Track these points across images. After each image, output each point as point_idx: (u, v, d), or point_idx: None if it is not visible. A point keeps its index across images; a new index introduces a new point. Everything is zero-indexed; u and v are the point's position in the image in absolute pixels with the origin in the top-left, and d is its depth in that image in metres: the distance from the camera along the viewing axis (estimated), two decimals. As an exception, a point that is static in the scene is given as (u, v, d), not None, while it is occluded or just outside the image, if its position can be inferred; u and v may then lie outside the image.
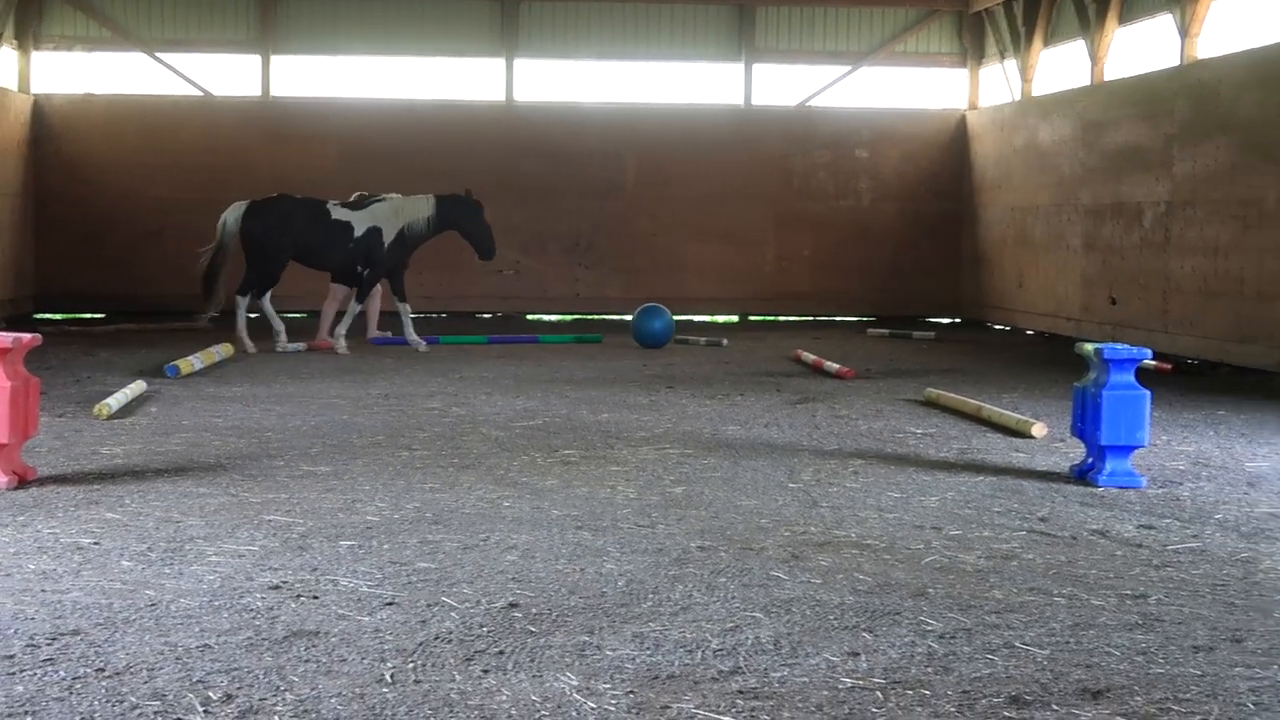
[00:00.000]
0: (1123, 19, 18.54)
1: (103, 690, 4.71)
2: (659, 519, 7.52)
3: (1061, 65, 20.69)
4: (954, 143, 22.97)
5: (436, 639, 5.31)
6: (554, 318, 22.71)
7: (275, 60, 22.40)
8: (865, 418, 11.55)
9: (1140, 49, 18.47)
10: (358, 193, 17.52)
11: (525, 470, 8.93)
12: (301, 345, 16.55)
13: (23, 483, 8.17)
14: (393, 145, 21.72)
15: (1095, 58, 18.80)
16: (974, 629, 5.56)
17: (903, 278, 22.80)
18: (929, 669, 5.07)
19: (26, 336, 8.44)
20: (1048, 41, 20.89)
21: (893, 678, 4.97)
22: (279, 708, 4.58)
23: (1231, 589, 6.29)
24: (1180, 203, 16.13)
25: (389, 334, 17.82)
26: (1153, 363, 12.49)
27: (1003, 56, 22.10)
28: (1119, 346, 8.89)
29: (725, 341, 18.45)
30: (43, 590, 5.91)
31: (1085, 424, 8.83)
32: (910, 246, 22.83)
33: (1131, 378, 8.76)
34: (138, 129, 21.88)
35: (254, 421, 10.88)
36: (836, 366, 14.69)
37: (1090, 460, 8.88)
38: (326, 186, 18.94)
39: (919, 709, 4.67)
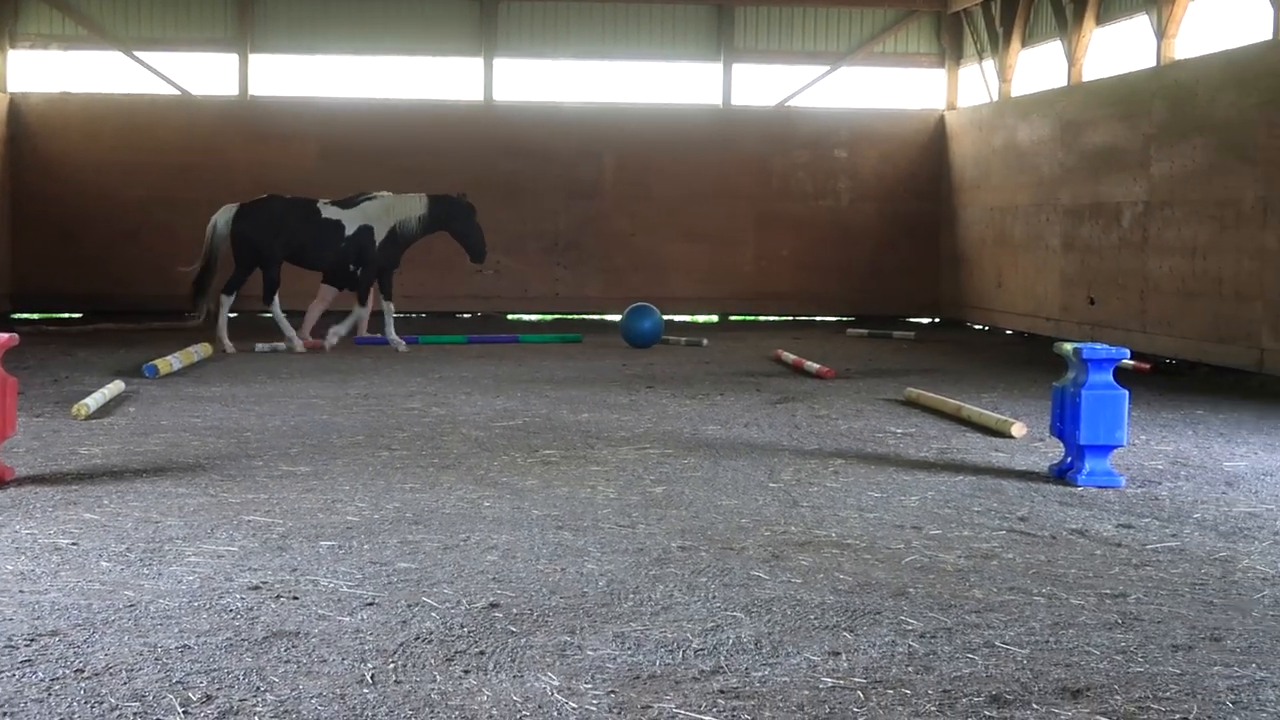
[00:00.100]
0: (1100, 20, 18.60)
1: (81, 691, 4.69)
2: (639, 519, 7.52)
3: (1039, 66, 20.75)
4: (933, 143, 23.01)
5: (417, 639, 5.31)
6: (534, 318, 22.70)
7: (254, 59, 22.32)
8: (845, 417, 11.57)
9: (1117, 50, 18.54)
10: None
11: (505, 470, 8.92)
12: (281, 345, 16.50)
13: (0, 483, 8.13)
14: (371, 145, 21.67)
15: (1073, 58, 18.86)
16: (954, 628, 5.57)
17: (882, 278, 22.83)
18: (910, 668, 5.08)
19: (3, 336, 8.41)
20: (1026, 42, 20.94)
21: (873, 677, 4.98)
22: (259, 708, 4.56)
23: (1210, 588, 6.32)
24: (1158, 203, 16.18)
25: (377, 334, 17.79)
26: (1131, 362, 12.55)
27: (981, 57, 22.15)
28: (1098, 346, 8.91)
29: (705, 341, 18.45)
30: (21, 591, 5.88)
31: (1064, 423, 8.86)
32: (889, 246, 22.87)
33: (1110, 377, 8.79)
34: (115, 128, 21.79)
35: (233, 421, 10.85)
36: (816, 366, 14.71)
37: (1069, 460, 8.91)
38: (305, 186, 18.89)
39: (900, 708, 4.68)
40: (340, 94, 22.61)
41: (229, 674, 4.88)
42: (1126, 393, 8.85)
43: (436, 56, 22.85)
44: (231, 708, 4.57)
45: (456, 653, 5.16)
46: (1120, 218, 17.03)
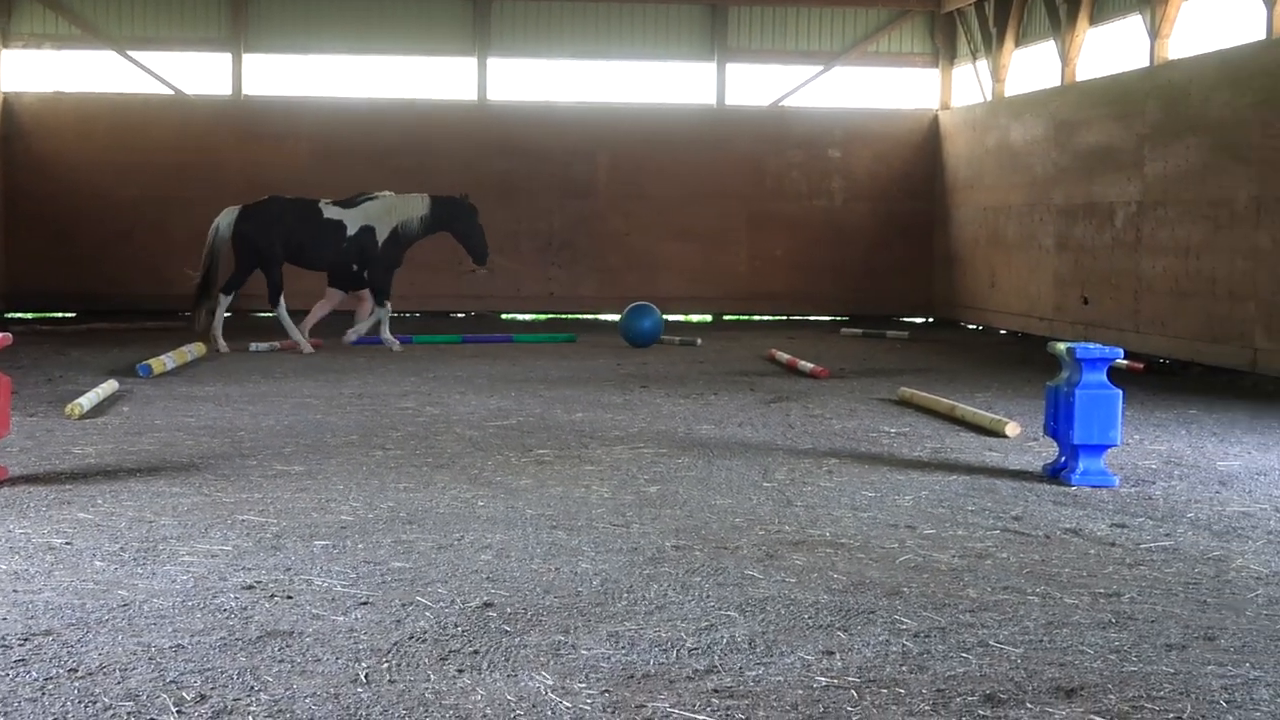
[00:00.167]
0: (1094, 20, 18.62)
1: (75, 691, 4.68)
2: (633, 518, 7.52)
3: (1033, 66, 20.76)
4: (926, 143, 23.02)
5: (411, 639, 5.30)
6: (528, 317, 22.69)
7: (247, 59, 22.29)
8: (839, 417, 11.57)
9: (1111, 50, 18.55)
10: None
11: (499, 470, 8.92)
12: (276, 344, 16.50)
13: (-7, 483, 8.13)
14: (365, 144, 21.66)
15: (1066, 58, 18.87)
16: (948, 628, 5.57)
17: (876, 277, 22.84)
18: (904, 667, 5.08)
19: (-3, 336, 8.40)
20: (1019, 42, 20.96)
21: (867, 676, 4.98)
22: (253, 708, 4.56)
23: (1204, 587, 6.33)
24: (1152, 203, 16.20)
25: (373, 334, 17.80)
26: (1125, 362, 12.55)
27: (974, 57, 22.16)
28: (1091, 346, 8.92)
29: (699, 341, 18.46)
30: (14, 591, 5.87)
31: (1058, 423, 8.87)
32: (883, 246, 22.88)
33: (1104, 377, 8.80)
34: (108, 127, 21.76)
35: (227, 421, 10.84)
36: (810, 366, 14.72)
37: (1063, 459, 8.92)
38: (298, 185, 18.87)
39: (894, 707, 4.68)
40: (334, 94, 22.59)
41: (223, 673, 4.88)
42: (1120, 392, 8.86)
43: (430, 56, 22.84)
44: (225, 707, 4.56)
45: (451, 652, 5.16)
46: (1114, 217, 17.05)
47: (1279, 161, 13.87)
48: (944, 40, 23.11)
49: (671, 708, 4.63)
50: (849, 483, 8.67)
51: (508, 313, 22.60)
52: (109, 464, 8.91)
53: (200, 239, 16.89)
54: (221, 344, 16.13)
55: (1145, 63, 16.73)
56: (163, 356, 14.26)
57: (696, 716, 4.57)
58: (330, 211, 16.62)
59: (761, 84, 23.19)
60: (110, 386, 12.17)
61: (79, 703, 4.58)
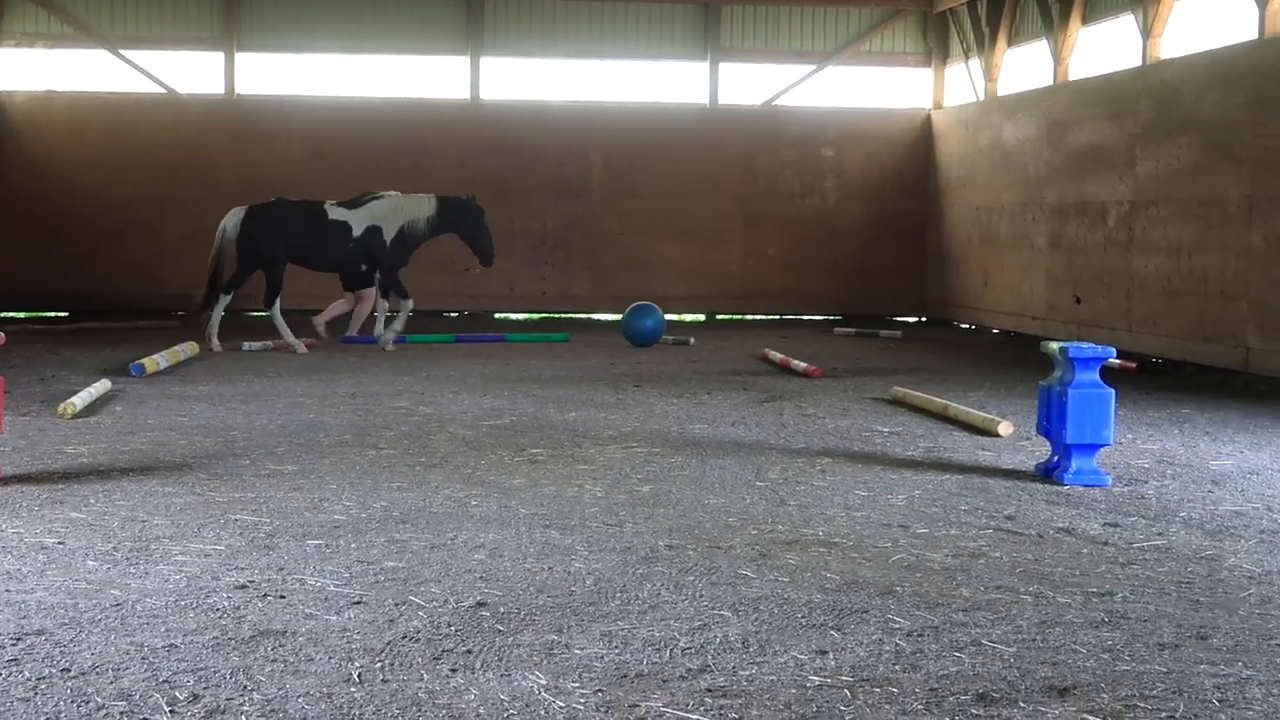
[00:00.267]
0: (1086, 19, 18.63)
1: (68, 690, 4.68)
2: (627, 518, 7.52)
3: (1026, 65, 20.77)
4: (919, 142, 23.03)
5: (404, 638, 5.30)
6: (521, 316, 22.68)
7: (240, 58, 22.27)
8: (832, 416, 11.58)
9: (1103, 49, 18.57)
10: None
11: (493, 469, 8.92)
12: (269, 343, 16.49)
13: (-14, 482, 8.11)
14: (358, 144, 21.63)
15: (1059, 58, 18.89)
16: (941, 627, 5.58)
17: (869, 276, 22.84)
18: (897, 667, 5.09)
19: (-11, 335, 8.39)
20: (1012, 41, 20.97)
21: (860, 675, 4.98)
22: (246, 707, 4.56)
23: (1196, 586, 6.34)
24: (1144, 202, 16.22)
25: (368, 334, 17.79)
26: (1117, 361, 12.58)
27: (967, 56, 22.17)
28: (1084, 345, 8.92)
29: (692, 340, 18.46)
30: (7, 590, 5.87)
31: (1051, 422, 8.88)
32: (876, 245, 22.88)
33: (1096, 376, 8.81)
34: (101, 126, 21.72)
35: (220, 420, 10.83)
36: (804, 365, 14.72)
37: (1056, 458, 8.93)
38: (291, 185, 18.87)
39: (887, 707, 4.68)
40: (326, 93, 22.56)
41: (216, 673, 4.87)
42: (1113, 392, 8.87)
43: (424, 55, 22.81)
44: (218, 707, 4.56)
45: (444, 651, 5.16)
46: (1106, 217, 17.07)
47: (1270, 161, 13.89)
48: (937, 40, 23.13)
49: (665, 707, 4.63)
50: (842, 482, 8.68)
51: (501, 312, 22.59)
52: (102, 463, 8.90)
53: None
54: (215, 343, 16.10)
55: (1137, 62, 16.75)
56: (155, 356, 14.25)
57: (690, 716, 4.57)
58: (335, 213, 16.62)
59: (755, 83, 23.20)
60: (103, 386, 12.16)
61: (71, 702, 4.57)
